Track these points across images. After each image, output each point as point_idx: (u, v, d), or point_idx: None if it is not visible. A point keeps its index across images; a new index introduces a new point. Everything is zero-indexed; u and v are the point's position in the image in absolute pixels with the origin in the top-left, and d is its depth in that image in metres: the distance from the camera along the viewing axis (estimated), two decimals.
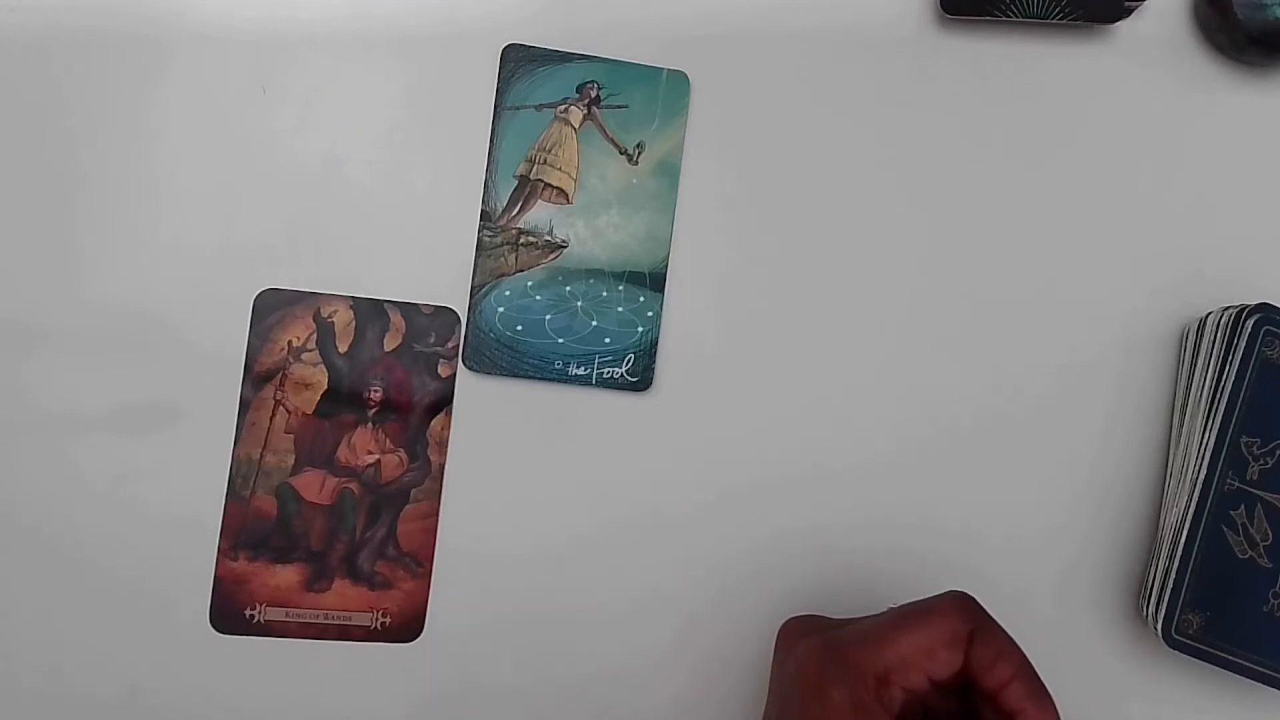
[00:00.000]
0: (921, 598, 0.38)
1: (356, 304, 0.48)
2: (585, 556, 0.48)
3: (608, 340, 0.48)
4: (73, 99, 0.47)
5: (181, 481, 0.47)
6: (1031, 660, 0.36)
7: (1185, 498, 0.47)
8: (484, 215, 0.48)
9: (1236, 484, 0.46)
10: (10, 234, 0.47)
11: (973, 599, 0.37)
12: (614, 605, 0.48)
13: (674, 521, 0.49)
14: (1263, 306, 0.46)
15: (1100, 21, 0.49)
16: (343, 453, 0.48)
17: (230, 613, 0.47)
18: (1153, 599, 0.47)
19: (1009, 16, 0.48)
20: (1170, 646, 0.46)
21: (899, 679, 0.35)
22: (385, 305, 0.48)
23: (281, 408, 0.47)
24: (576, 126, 0.49)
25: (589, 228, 0.49)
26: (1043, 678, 0.36)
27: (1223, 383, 0.46)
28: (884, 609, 0.38)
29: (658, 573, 0.49)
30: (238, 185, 0.48)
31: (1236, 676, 0.46)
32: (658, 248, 0.49)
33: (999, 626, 0.36)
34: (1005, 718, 0.35)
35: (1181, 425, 0.49)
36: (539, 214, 0.49)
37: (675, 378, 0.49)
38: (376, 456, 0.48)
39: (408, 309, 0.48)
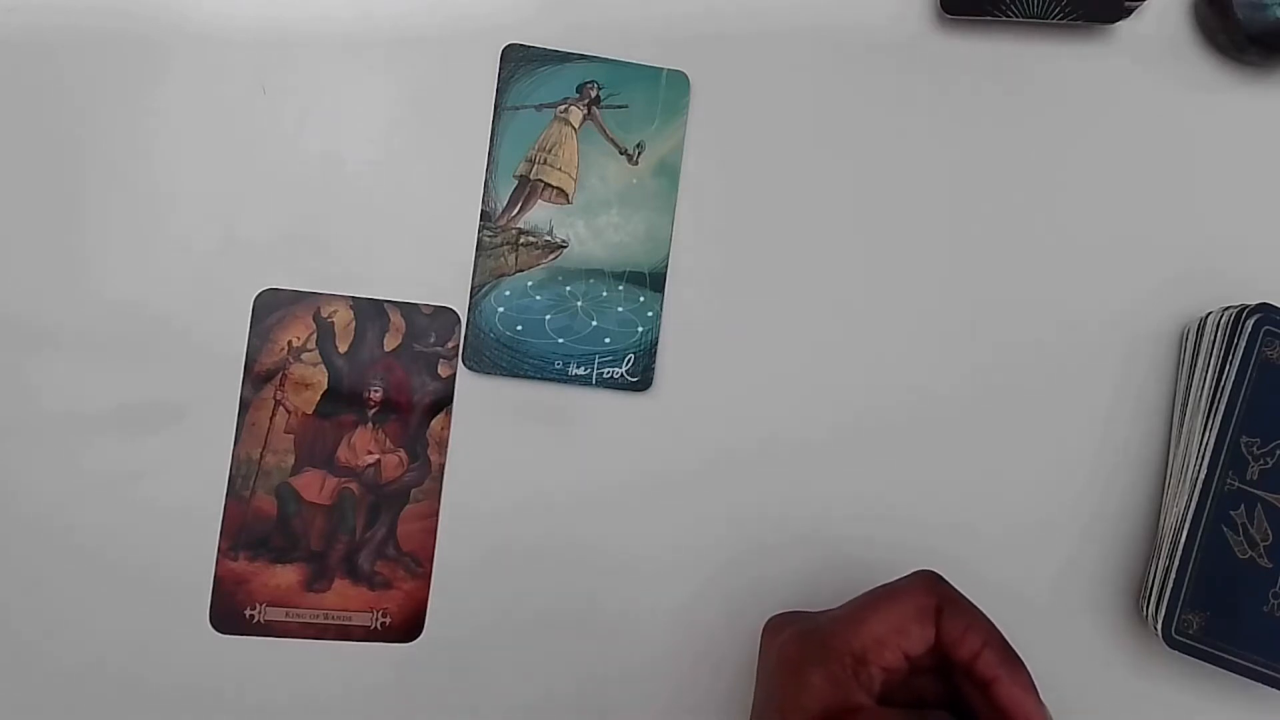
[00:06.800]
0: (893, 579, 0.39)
1: (356, 304, 0.48)
2: (584, 556, 0.48)
3: (608, 340, 0.48)
4: (73, 99, 0.47)
5: (182, 481, 0.47)
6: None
7: (1185, 498, 0.47)
8: (484, 215, 0.48)
9: (1236, 484, 0.46)
10: (11, 234, 0.47)
11: (939, 576, 0.38)
12: (613, 605, 0.48)
13: (673, 521, 0.49)
14: (1263, 306, 0.46)
15: (1100, 21, 0.49)
16: (343, 453, 0.48)
17: (230, 613, 0.47)
18: (1153, 599, 0.47)
19: (1009, 16, 0.48)
20: (1170, 646, 0.46)
21: (875, 657, 0.36)
22: (385, 305, 0.48)
23: (281, 408, 0.47)
24: (576, 126, 0.49)
25: (589, 228, 0.49)
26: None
27: (1223, 383, 0.46)
28: None
29: (657, 572, 0.49)
30: (238, 185, 0.48)
31: (1236, 676, 0.46)
32: (658, 248, 0.49)
33: (966, 600, 0.37)
34: (983, 688, 0.36)
35: (1181, 425, 0.49)
36: (539, 214, 0.49)
37: (675, 378, 0.49)
38: (376, 456, 0.48)
39: (408, 309, 0.48)
